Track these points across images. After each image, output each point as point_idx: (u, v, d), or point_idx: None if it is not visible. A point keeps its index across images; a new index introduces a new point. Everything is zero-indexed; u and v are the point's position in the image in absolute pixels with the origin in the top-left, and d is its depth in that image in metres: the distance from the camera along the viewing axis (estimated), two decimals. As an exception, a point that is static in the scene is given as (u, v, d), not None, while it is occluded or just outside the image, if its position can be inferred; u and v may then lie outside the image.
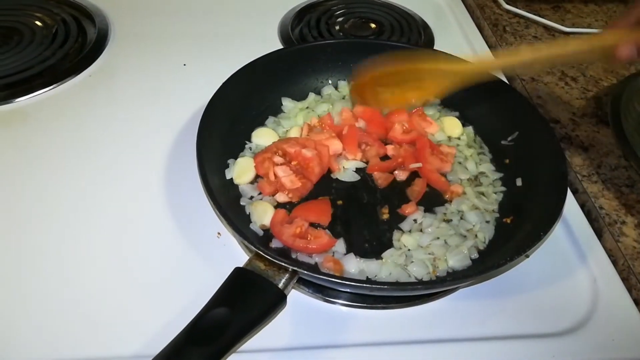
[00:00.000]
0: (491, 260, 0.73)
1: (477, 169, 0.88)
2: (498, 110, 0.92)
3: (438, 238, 0.76)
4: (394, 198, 0.82)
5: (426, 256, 0.73)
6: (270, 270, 0.64)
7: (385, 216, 0.79)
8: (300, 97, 0.97)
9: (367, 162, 0.87)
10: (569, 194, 0.88)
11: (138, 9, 1.22)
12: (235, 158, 0.84)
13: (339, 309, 0.71)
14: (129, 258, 0.74)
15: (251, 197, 0.80)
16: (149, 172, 0.86)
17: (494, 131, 0.92)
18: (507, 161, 0.89)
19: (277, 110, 0.95)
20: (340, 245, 0.74)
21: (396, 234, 0.77)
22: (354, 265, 0.72)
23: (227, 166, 0.83)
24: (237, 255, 0.75)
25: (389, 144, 0.90)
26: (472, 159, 0.89)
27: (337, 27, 1.22)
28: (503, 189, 0.85)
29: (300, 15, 1.25)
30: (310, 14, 1.25)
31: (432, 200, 0.83)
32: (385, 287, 0.64)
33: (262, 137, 0.88)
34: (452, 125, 0.93)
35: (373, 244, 0.76)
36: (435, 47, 1.17)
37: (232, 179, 0.81)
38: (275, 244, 0.74)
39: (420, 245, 0.75)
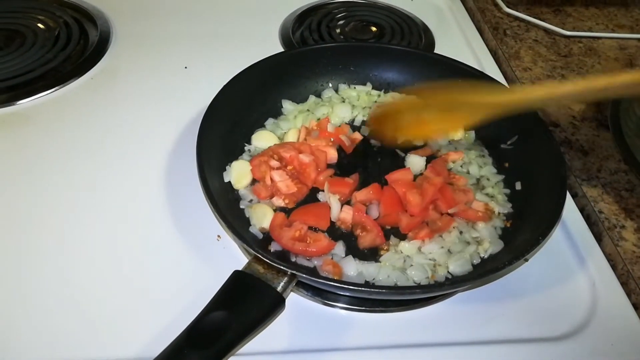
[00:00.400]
0: (491, 264, 0.73)
1: (479, 172, 0.88)
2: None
3: (442, 247, 0.75)
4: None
5: (426, 261, 0.73)
6: (269, 273, 0.64)
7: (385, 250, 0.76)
8: (300, 99, 0.98)
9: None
10: (569, 197, 0.88)
11: (140, 12, 1.23)
12: (236, 160, 0.84)
13: (338, 312, 0.72)
14: (129, 260, 0.75)
15: (250, 201, 0.80)
16: (149, 175, 0.86)
17: (493, 135, 0.92)
18: (506, 165, 0.89)
19: (277, 112, 0.95)
20: (339, 248, 0.74)
21: (393, 240, 0.77)
22: (353, 268, 0.72)
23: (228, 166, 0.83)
24: (237, 258, 0.76)
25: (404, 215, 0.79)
26: (474, 162, 0.89)
27: (338, 30, 1.23)
28: (507, 191, 0.85)
29: (301, 18, 1.25)
30: (312, 17, 1.26)
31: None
32: (384, 291, 0.64)
33: (262, 139, 0.88)
34: (453, 129, 0.93)
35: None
36: (435, 51, 1.18)
37: (231, 181, 0.82)
38: (274, 247, 0.74)
39: (423, 252, 0.75)
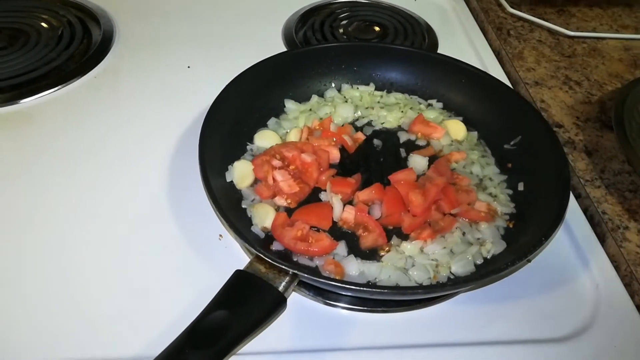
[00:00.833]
0: (493, 265, 0.73)
1: (482, 171, 0.87)
2: (501, 114, 0.92)
3: (444, 247, 0.75)
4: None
5: (428, 261, 0.73)
6: (271, 273, 0.64)
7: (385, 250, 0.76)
8: (303, 99, 0.98)
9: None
10: (572, 198, 0.88)
11: (143, 11, 1.23)
12: (238, 160, 0.84)
13: (340, 312, 0.71)
14: (130, 259, 0.75)
15: (252, 200, 0.80)
16: (151, 174, 0.86)
17: (496, 135, 0.92)
18: (509, 165, 0.88)
19: (280, 112, 0.95)
20: (341, 248, 0.74)
21: (395, 240, 0.76)
22: (355, 268, 0.72)
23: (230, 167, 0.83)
24: (239, 258, 0.76)
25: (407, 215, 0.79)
26: (477, 162, 0.88)
27: (341, 30, 1.22)
28: (509, 191, 0.85)
29: (304, 18, 1.25)
30: (314, 16, 1.26)
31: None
32: (386, 291, 0.63)
33: (264, 139, 0.88)
34: (456, 129, 0.93)
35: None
36: (439, 51, 1.17)
37: (232, 181, 0.82)
38: (276, 246, 0.74)
39: (425, 252, 0.75)
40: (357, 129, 0.94)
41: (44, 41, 1.10)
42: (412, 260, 0.74)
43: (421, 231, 0.76)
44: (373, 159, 0.90)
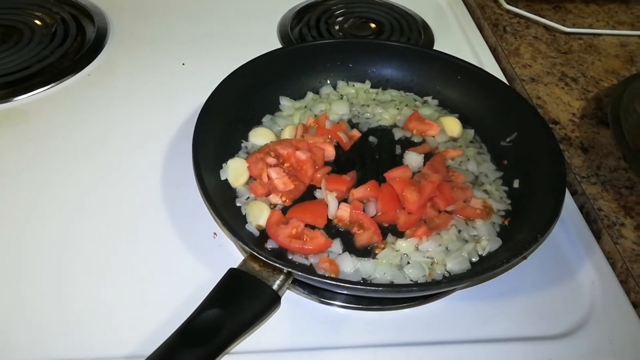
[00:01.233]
0: (489, 262, 0.73)
1: (478, 168, 0.87)
2: (497, 111, 0.92)
3: (440, 245, 0.75)
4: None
5: (424, 259, 0.73)
6: (265, 271, 0.64)
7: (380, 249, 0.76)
8: (298, 96, 0.97)
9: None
10: (568, 195, 0.88)
11: (137, 8, 1.22)
12: (232, 157, 0.84)
13: (335, 310, 0.71)
14: (123, 257, 0.74)
15: (247, 198, 0.80)
16: (145, 172, 0.86)
17: (492, 132, 0.91)
18: (505, 162, 0.88)
19: (274, 109, 0.95)
20: (336, 246, 0.73)
21: (391, 237, 0.76)
22: (350, 265, 0.71)
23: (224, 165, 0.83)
24: (233, 256, 0.75)
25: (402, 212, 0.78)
26: (473, 159, 0.88)
27: (337, 27, 1.22)
28: (505, 188, 0.84)
29: (299, 14, 1.25)
30: (310, 13, 1.25)
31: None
32: (381, 289, 0.63)
33: (259, 136, 0.88)
34: (452, 126, 0.93)
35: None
36: (435, 47, 1.17)
37: (227, 180, 0.81)
38: (270, 244, 0.73)
39: (420, 250, 0.74)
40: (353, 126, 0.94)
41: (37, 38, 1.09)
42: (407, 257, 0.74)
43: (416, 229, 0.75)
44: (368, 156, 0.89)
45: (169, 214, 0.80)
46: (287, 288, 0.66)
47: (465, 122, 0.94)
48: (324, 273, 0.70)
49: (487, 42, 1.22)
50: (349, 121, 0.95)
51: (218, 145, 0.82)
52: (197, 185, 0.71)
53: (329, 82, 1.00)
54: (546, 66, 1.13)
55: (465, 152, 0.89)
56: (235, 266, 0.66)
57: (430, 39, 1.21)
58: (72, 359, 0.63)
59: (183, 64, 1.08)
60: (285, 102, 0.95)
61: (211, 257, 0.75)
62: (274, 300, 0.62)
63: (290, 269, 0.62)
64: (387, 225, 0.78)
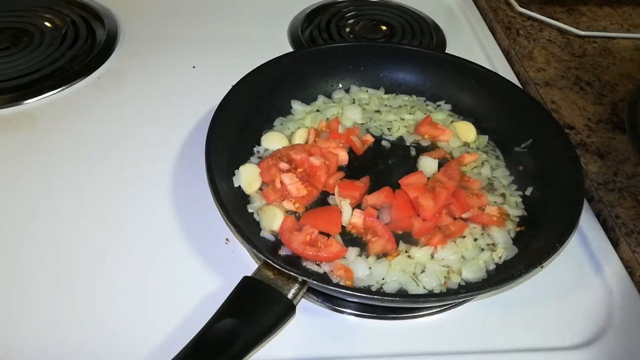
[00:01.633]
0: (506, 271, 0.71)
1: (492, 174, 0.86)
2: (511, 116, 0.91)
3: (455, 253, 0.74)
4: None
5: (440, 268, 0.72)
6: (280, 279, 0.63)
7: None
8: (310, 100, 0.96)
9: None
10: (584, 202, 0.86)
11: (147, 11, 1.21)
12: (245, 162, 0.83)
13: (349, 319, 0.70)
14: (134, 263, 0.74)
15: (260, 204, 0.79)
16: (157, 175, 0.85)
17: (507, 137, 0.90)
18: (520, 168, 0.87)
19: (286, 113, 0.94)
20: (351, 254, 0.72)
21: (404, 245, 0.75)
22: (364, 269, 0.70)
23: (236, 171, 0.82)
24: (246, 262, 0.74)
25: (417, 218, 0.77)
26: (487, 164, 0.87)
27: (348, 30, 1.21)
28: (520, 193, 0.83)
29: (310, 17, 1.24)
30: (321, 16, 1.24)
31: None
32: (397, 299, 0.62)
33: (271, 141, 0.87)
34: (466, 131, 0.91)
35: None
36: (447, 50, 1.16)
37: (239, 186, 0.80)
38: (284, 251, 0.73)
39: (436, 259, 0.73)
40: (365, 131, 0.93)
41: (47, 41, 1.08)
42: (421, 266, 0.72)
43: (432, 236, 0.74)
44: (382, 160, 0.88)
45: (179, 219, 0.79)
46: (302, 297, 0.65)
47: (480, 127, 0.93)
48: (339, 281, 0.69)
49: (499, 45, 1.21)
50: (361, 125, 0.94)
51: (230, 151, 0.81)
52: (211, 191, 0.70)
53: (340, 85, 0.99)
54: (560, 70, 1.11)
55: (479, 157, 0.88)
56: (247, 273, 0.65)
57: (442, 41, 1.20)
58: (84, 367, 0.63)
59: (193, 67, 1.07)
60: (297, 105, 0.94)
61: (223, 263, 0.74)
62: (289, 310, 0.61)
63: (306, 279, 0.61)
64: (401, 232, 0.77)
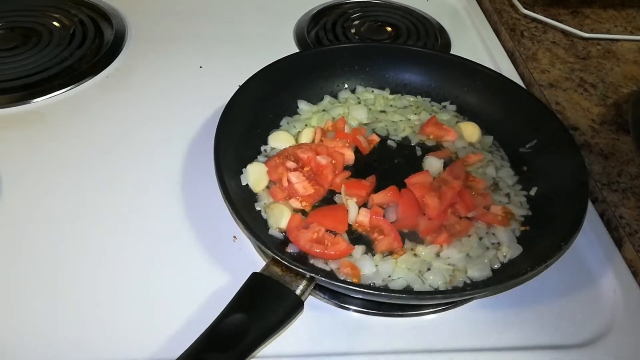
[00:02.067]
0: (511, 270, 0.72)
1: (497, 174, 0.87)
2: (516, 117, 0.91)
3: (461, 252, 0.74)
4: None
5: (445, 266, 0.72)
6: (288, 276, 0.64)
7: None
8: (316, 100, 0.97)
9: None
10: (588, 202, 0.87)
11: (155, 11, 1.22)
12: (252, 161, 0.84)
13: (355, 316, 0.71)
14: (144, 260, 0.74)
15: (267, 202, 0.80)
16: (165, 174, 0.86)
17: (511, 138, 0.91)
18: (525, 168, 0.87)
19: (293, 113, 0.95)
20: (357, 252, 0.73)
21: (410, 244, 0.76)
22: (370, 267, 0.71)
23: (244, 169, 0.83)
24: (253, 259, 0.75)
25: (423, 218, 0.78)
26: (492, 164, 0.88)
27: (353, 31, 1.22)
28: (524, 193, 0.84)
29: (316, 18, 1.25)
30: (327, 17, 1.25)
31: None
32: (404, 295, 0.63)
33: (278, 140, 0.88)
34: (471, 131, 0.92)
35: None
36: (452, 52, 1.17)
37: (247, 184, 0.81)
38: (291, 248, 0.73)
39: (441, 257, 0.74)
40: (371, 130, 0.94)
41: (56, 40, 1.09)
42: (427, 264, 0.73)
43: (437, 235, 0.75)
44: (387, 160, 0.89)
45: (187, 217, 0.80)
46: (309, 293, 0.66)
47: (484, 128, 0.94)
48: (346, 278, 0.69)
49: (504, 46, 1.22)
50: (367, 125, 0.94)
51: (237, 149, 0.82)
52: (220, 189, 0.71)
53: (346, 86, 1.00)
54: (564, 71, 1.12)
55: (484, 157, 0.89)
56: (255, 270, 0.66)
57: (446, 43, 1.21)
58: (94, 361, 0.64)
59: (200, 67, 1.08)
60: (303, 105, 0.95)
61: (231, 260, 0.75)
62: (297, 306, 0.62)
63: (314, 275, 0.61)
64: (407, 231, 0.78)
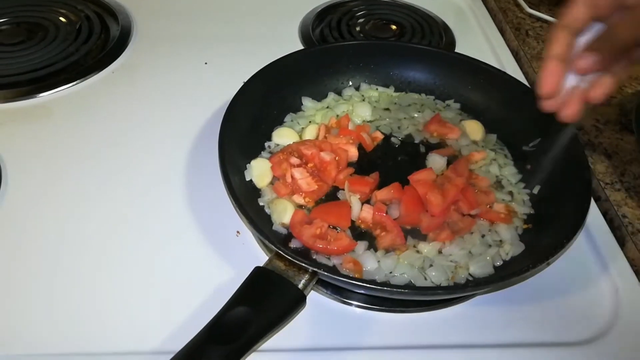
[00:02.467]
0: (512, 266, 0.72)
1: (500, 172, 0.87)
2: (520, 116, 0.91)
3: (463, 249, 0.74)
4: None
5: (447, 263, 0.73)
6: (291, 270, 0.64)
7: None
8: (320, 97, 0.97)
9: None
10: (591, 201, 0.87)
11: (161, 7, 1.23)
12: (256, 157, 0.84)
13: (357, 311, 0.71)
14: (148, 254, 0.75)
15: (270, 198, 0.80)
16: (169, 169, 0.86)
17: (515, 136, 0.91)
18: (528, 166, 0.88)
19: (297, 109, 0.95)
20: (360, 248, 0.73)
21: (413, 240, 0.76)
22: (372, 262, 0.72)
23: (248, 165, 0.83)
24: (256, 254, 0.76)
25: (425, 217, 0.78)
26: (495, 162, 0.88)
27: (358, 29, 1.22)
28: (527, 191, 0.84)
29: (321, 15, 1.25)
30: (331, 14, 1.25)
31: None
32: (406, 291, 0.63)
33: (283, 136, 0.88)
34: (474, 129, 0.92)
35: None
36: (456, 50, 1.17)
37: (251, 179, 0.81)
38: (294, 244, 0.74)
39: (444, 254, 0.74)
40: (375, 128, 0.94)
41: (62, 36, 1.10)
42: (429, 260, 0.73)
43: (440, 232, 0.75)
44: (391, 157, 0.89)
45: (191, 212, 0.80)
46: (312, 288, 0.67)
47: (488, 126, 0.94)
48: (349, 273, 0.70)
49: (508, 45, 1.22)
50: (371, 122, 0.95)
51: (241, 145, 0.83)
52: (224, 185, 0.71)
53: (351, 83, 1.00)
54: (569, 71, 1.12)
55: (487, 155, 0.89)
56: (258, 264, 0.66)
57: (451, 41, 1.21)
58: (97, 352, 0.64)
59: (205, 63, 1.08)
60: (307, 102, 0.95)
61: (234, 254, 0.75)
62: (299, 300, 0.62)
63: (316, 269, 0.62)
64: (409, 227, 0.78)
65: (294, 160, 0.82)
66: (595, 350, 0.69)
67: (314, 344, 0.67)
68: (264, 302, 0.60)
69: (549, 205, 0.80)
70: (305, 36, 1.18)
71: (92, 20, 1.14)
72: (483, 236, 0.77)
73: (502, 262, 0.74)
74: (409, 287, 0.68)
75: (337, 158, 0.82)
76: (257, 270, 0.64)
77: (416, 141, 0.92)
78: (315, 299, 0.72)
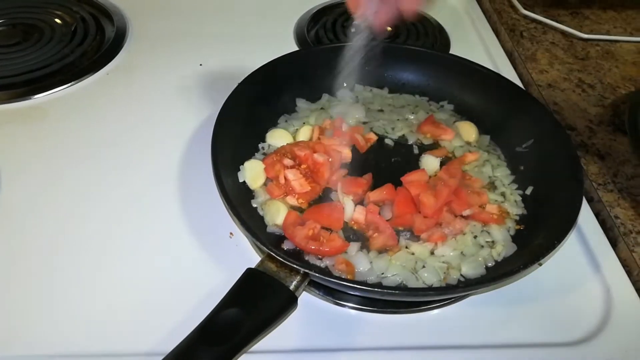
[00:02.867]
0: (504, 267, 0.73)
1: (493, 173, 0.87)
2: (513, 117, 0.91)
3: (455, 250, 0.75)
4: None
5: (439, 264, 0.73)
6: (282, 272, 0.64)
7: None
8: (315, 98, 0.98)
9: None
10: (584, 202, 0.87)
11: (156, 9, 1.23)
12: (250, 158, 0.84)
13: (349, 312, 0.71)
14: (141, 256, 0.75)
15: (263, 199, 0.80)
16: (163, 170, 0.87)
17: (508, 137, 0.91)
18: (521, 167, 0.88)
19: (291, 111, 0.95)
20: (352, 249, 0.73)
21: (405, 241, 0.76)
22: (365, 263, 0.72)
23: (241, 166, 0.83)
24: (249, 256, 0.76)
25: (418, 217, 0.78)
26: (488, 163, 0.88)
27: (353, 30, 1.22)
28: (520, 192, 0.84)
29: (316, 17, 1.25)
30: (327, 16, 1.26)
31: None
32: (397, 292, 0.63)
33: (276, 138, 0.88)
34: (468, 130, 0.93)
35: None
36: (451, 52, 1.17)
37: (244, 181, 0.82)
38: (287, 245, 0.74)
39: (436, 255, 0.75)
40: (368, 129, 0.94)
41: (57, 37, 1.10)
42: (422, 261, 0.74)
43: (432, 233, 0.75)
44: (384, 158, 0.90)
45: (185, 214, 0.81)
46: (304, 289, 0.67)
47: (482, 127, 0.94)
48: (341, 275, 0.70)
49: (503, 47, 1.22)
50: (365, 123, 0.95)
51: (235, 147, 0.83)
52: (216, 186, 0.72)
53: (345, 85, 1.00)
54: (563, 72, 1.12)
55: (481, 156, 0.89)
56: (251, 266, 0.67)
57: (446, 43, 1.21)
58: (90, 353, 0.64)
59: (200, 65, 1.09)
60: (301, 103, 0.96)
61: (227, 256, 0.76)
62: (291, 301, 0.62)
63: (308, 271, 0.62)
64: (402, 228, 0.78)
65: (288, 161, 0.82)
66: (587, 350, 0.69)
67: (306, 345, 0.67)
68: (255, 303, 0.60)
69: (542, 206, 0.81)
70: (300, 37, 1.18)
71: (87, 22, 1.15)
72: (475, 237, 0.77)
73: (494, 263, 0.74)
74: (401, 288, 0.69)
75: (330, 159, 0.83)
76: (249, 272, 0.64)
77: (410, 142, 0.93)
78: (308, 300, 0.72)
